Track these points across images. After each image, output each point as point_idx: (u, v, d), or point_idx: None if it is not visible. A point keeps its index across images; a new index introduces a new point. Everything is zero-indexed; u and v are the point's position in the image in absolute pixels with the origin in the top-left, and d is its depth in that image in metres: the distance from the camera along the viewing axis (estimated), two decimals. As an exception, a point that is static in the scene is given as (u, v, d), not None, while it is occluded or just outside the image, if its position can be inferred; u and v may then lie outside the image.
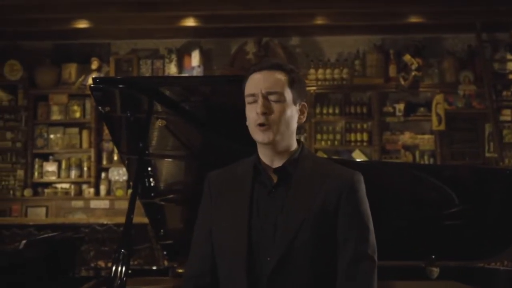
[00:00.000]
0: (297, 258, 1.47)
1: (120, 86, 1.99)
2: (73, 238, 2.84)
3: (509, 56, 6.17)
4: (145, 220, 2.65)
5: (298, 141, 1.62)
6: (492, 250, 2.56)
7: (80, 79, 6.25)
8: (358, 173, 1.58)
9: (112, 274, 1.80)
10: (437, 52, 6.36)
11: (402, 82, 6.09)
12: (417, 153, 6.21)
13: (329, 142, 6.21)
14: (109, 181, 6.32)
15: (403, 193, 2.42)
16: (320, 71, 6.26)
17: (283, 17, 5.88)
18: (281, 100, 1.52)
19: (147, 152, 2.22)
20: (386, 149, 6.21)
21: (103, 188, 6.24)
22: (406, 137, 6.22)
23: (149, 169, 2.33)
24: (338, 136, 6.25)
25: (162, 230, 2.61)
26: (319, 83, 6.23)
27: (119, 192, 6.22)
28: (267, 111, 1.51)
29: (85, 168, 6.34)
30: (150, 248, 3.92)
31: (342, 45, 6.46)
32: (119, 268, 1.80)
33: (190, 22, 5.86)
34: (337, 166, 1.61)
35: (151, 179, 2.37)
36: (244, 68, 5.80)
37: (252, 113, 1.53)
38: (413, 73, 6.02)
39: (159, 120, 2.05)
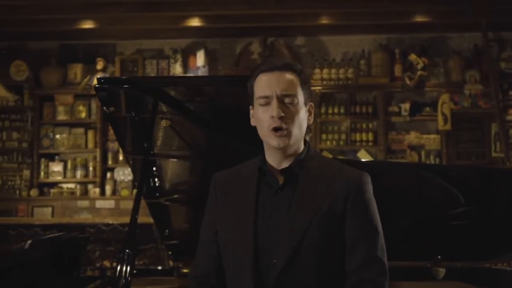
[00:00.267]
0: (304, 259, 1.46)
1: (125, 86, 1.99)
2: (79, 238, 2.84)
3: (515, 55, 6.14)
4: (150, 220, 2.66)
5: (304, 141, 1.60)
6: (498, 251, 2.55)
7: (86, 79, 6.27)
8: (366, 173, 1.56)
9: (117, 274, 1.80)
10: (443, 52, 6.33)
11: (408, 82, 6.07)
12: (422, 153, 6.18)
13: (334, 142, 6.20)
14: (115, 181, 6.34)
15: (409, 193, 2.41)
16: (325, 70, 6.25)
17: (288, 17, 5.87)
18: (295, 102, 1.49)
19: (152, 152, 2.22)
20: (391, 149, 6.19)
21: (108, 188, 6.25)
22: (412, 137, 6.20)
23: (154, 169, 2.33)
24: (343, 136, 6.23)
25: (167, 230, 2.61)
26: (324, 83, 6.22)
27: (125, 192, 6.23)
28: (283, 115, 1.47)
29: (91, 168, 6.36)
30: (155, 248, 3.93)
31: (347, 45, 6.44)
32: (124, 268, 1.80)
33: (195, 22, 5.86)
34: (344, 166, 1.59)
35: (156, 179, 2.37)
36: (249, 68, 5.79)
37: (266, 116, 1.49)
38: (418, 73, 6.00)
39: (164, 120, 2.05)
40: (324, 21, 5.91)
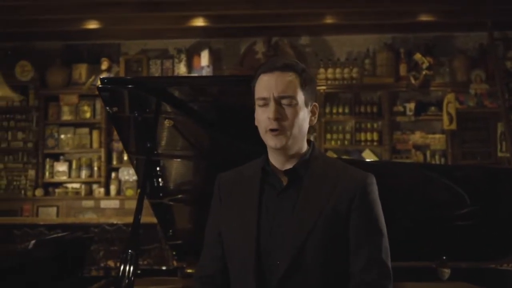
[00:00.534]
0: (308, 261, 1.45)
1: (128, 86, 1.98)
2: (83, 238, 2.84)
3: (521, 55, 6.11)
4: (155, 219, 2.65)
5: (309, 141, 1.59)
6: (504, 251, 2.53)
7: (90, 80, 6.28)
8: (371, 175, 1.54)
9: (120, 274, 1.80)
10: (448, 51, 6.30)
11: (413, 81, 6.05)
12: (428, 153, 6.16)
13: (339, 142, 6.18)
14: (119, 181, 6.35)
15: (414, 194, 2.40)
16: (330, 70, 6.24)
17: (292, 17, 5.86)
18: (294, 103, 1.48)
19: (155, 152, 2.21)
20: (396, 149, 6.16)
21: (113, 188, 6.27)
22: (417, 137, 6.17)
23: (158, 169, 2.32)
24: (348, 136, 6.22)
25: (170, 230, 2.60)
26: (329, 82, 6.21)
27: (129, 192, 6.25)
28: (279, 116, 1.47)
29: (95, 168, 6.38)
30: (160, 248, 3.92)
31: (352, 44, 6.43)
32: (127, 268, 1.80)
33: (199, 22, 5.86)
34: (349, 167, 1.57)
35: (159, 179, 2.37)
36: (253, 68, 5.77)
37: (264, 117, 1.49)
38: (424, 72, 5.97)
39: (167, 120, 2.04)
40: (329, 20, 5.89)
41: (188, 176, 2.52)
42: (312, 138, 6.06)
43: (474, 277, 2.53)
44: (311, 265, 1.45)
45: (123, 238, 4.11)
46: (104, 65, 6.32)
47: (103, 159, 6.33)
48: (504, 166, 5.78)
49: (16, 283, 2.17)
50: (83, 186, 6.36)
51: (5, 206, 6.20)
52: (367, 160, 5.45)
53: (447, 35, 6.34)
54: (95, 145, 6.40)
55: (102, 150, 6.34)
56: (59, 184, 6.40)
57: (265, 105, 1.49)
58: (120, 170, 6.39)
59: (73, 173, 6.37)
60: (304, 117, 1.52)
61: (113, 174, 6.37)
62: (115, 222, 4.39)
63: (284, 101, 1.48)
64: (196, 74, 6.26)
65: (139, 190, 2.17)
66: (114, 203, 6.21)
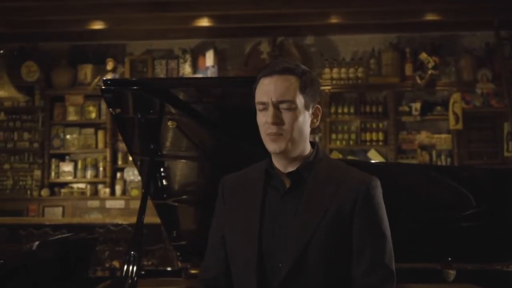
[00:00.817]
0: (310, 263, 1.44)
1: (131, 87, 1.98)
2: (87, 239, 2.85)
3: (528, 54, 6.06)
4: (159, 220, 2.65)
5: (313, 143, 1.58)
6: (510, 252, 2.51)
7: (96, 80, 6.30)
8: (375, 178, 1.53)
9: (123, 275, 1.80)
10: (454, 50, 6.27)
11: (419, 81, 6.02)
12: (434, 153, 6.13)
13: (344, 142, 6.17)
14: (125, 181, 6.37)
15: (420, 195, 2.39)
16: (335, 70, 6.22)
17: (297, 17, 5.85)
18: (293, 108, 1.47)
19: (159, 153, 2.21)
20: (402, 148, 6.14)
21: (118, 188, 6.28)
22: (423, 137, 6.15)
23: (161, 170, 2.32)
24: (353, 136, 6.20)
25: (174, 231, 2.60)
26: (334, 82, 6.20)
27: (134, 192, 6.26)
28: (278, 121, 1.46)
29: (101, 168, 6.40)
30: (164, 249, 3.92)
31: (357, 44, 6.41)
32: (130, 269, 1.80)
33: (204, 22, 5.86)
34: (353, 169, 1.56)
35: (163, 180, 2.37)
36: (258, 68, 5.77)
37: (263, 122, 1.49)
38: (429, 72, 5.94)
39: (170, 121, 2.03)
40: (334, 20, 5.87)
41: (192, 177, 2.52)
42: (317, 139, 6.10)
43: (479, 278, 2.52)
44: (314, 267, 1.44)
45: (128, 239, 4.11)
46: (110, 66, 6.34)
47: (108, 159, 6.35)
48: (510, 166, 5.75)
49: (21, 283, 2.17)
50: (88, 186, 6.38)
51: (11, 206, 6.23)
52: (372, 161, 5.43)
53: (453, 34, 6.31)
54: (101, 145, 6.42)
55: (108, 150, 6.35)
56: (64, 184, 6.42)
57: (265, 109, 1.49)
58: (126, 170, 6.40)
59: (79, 173, 6.40)
60: (305, 120, 1.50)
61: (118, 174, 6.39)
62: (120, 222, 4.41)
63: (282, 106, 1.47)
64: (201, 75, 6.27)
65: (142, 191, 2.17)
66: (119, 203, 6.23)
